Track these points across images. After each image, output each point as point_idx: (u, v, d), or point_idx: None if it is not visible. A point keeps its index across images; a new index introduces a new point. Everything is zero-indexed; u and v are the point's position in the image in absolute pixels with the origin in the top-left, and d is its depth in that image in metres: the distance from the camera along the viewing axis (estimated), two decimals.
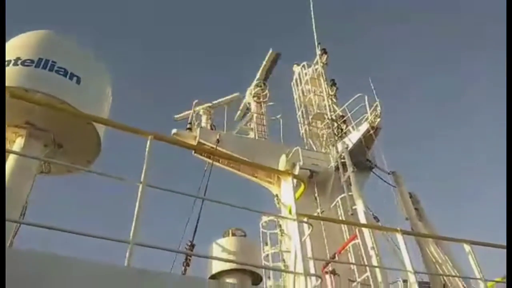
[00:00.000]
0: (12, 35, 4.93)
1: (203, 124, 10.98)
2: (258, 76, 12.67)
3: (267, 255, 9.24)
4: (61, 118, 4.31)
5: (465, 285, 5.68)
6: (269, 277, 8.74)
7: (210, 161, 10.37)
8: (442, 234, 6.94)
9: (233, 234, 5.23)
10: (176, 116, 12.02)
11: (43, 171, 4.59)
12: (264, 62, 12.87)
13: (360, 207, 6.97)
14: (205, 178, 7.33)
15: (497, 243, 4.46)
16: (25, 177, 4.09)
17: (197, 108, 11.42)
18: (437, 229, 7.20)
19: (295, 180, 3.92)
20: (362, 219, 6.73)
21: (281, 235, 9.65)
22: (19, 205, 3.94)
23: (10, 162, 4.22)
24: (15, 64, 4.33)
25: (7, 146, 4.39)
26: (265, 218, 10.02)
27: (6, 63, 4.36)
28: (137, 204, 2.77)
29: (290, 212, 4.00)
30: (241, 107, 13.11)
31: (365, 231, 5.96)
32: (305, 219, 3.79)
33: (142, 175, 2.92)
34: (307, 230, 3.59)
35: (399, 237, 4.02)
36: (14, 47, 4.60)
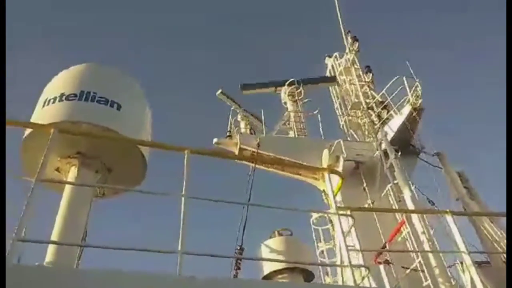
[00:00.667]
0: (57, 71, 5.36)
1: (242, 130, 11.18)
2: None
3: (322, 251, 9.23)
4: (107, 144, 4.64)
5: None
6: (327, 274, 8.72)
7: (253, 165, 10.55)
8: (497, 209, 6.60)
9: (280, 234, 5.30)
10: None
11: (98, 195, 4.93)
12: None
13: (406, 193, 6.79)
14: (250, 182, 7.41)
15: None
16: (82, 203, 4.42)
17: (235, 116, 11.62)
18: (490, 206, 6.86)
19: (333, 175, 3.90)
20: (410, 205, 6.55)
21: (333, 230, 9.61)
22: (81, 229, 4.27)
23: (67, 191, 4.59)
24: (60, 100, 4.71)
25: (63, 178, 4.76)
26: (315, 215, 10.00)
27: (52, 100, 4.76)
28: (181, 215, 2.94)
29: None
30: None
31: (414, 216, 5.81)
32: (347, 212, 3.79)
33: (183, 188, 3.09)
34: (350, 222, 3.59)
35: (449, 218, 3.91)
36: (59, 83, 5.01)
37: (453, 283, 5.59)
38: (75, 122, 4.52)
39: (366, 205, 9.30)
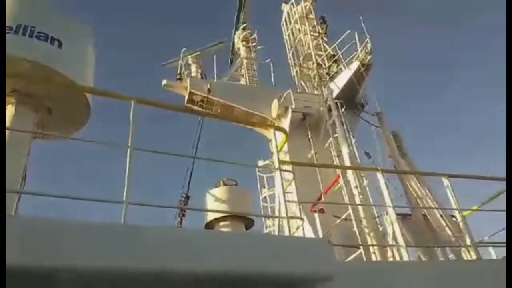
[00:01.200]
0: None
1: (193, 74, 10.97)
2: (236, 20, 12.37)
3: (265, 197, 9.73)
4: (46, 84, 4.40)
5: (443, 215, 6.10)
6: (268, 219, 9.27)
7: (203, 110, 10.52)
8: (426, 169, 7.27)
9: (225, 184, 5.53)
10: (164, 63, 11.84)
11: (37, 136, 4.75)
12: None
13: (344, 149, 7.23)
14: (197, 134, 7.44)
15: (472, 174, 4.74)
16: (20, 145, 4.25)
17: (186, 57, 11.29)
18: (418, 165, 7.54)
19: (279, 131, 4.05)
20: (346, 160, 7.01)
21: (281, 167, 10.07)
22: (19, 173, 4.15)
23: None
24: None
25: None
26: (261, 163, 10.37)
27: None
28: (127, 167, 2.97)
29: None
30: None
31: (349, 172, 6.27)
32: (289, 167, 4.01)
33: (129, 139, 3.08)
34: (291, 177, 3.82)
35: (379, 175, 4.29)
36: None
37: (380, 229, 6.26)
38: (14, 59, 4.20)
39: (310, 155, 9.77)
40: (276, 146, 3.83)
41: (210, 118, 11.30)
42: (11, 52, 4.24)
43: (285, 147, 10.09)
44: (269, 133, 11.08)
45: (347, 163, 7.04)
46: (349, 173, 6.30)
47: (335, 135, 8.23)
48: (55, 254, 2.27)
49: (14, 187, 3.92)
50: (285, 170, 3.74)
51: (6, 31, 4.36)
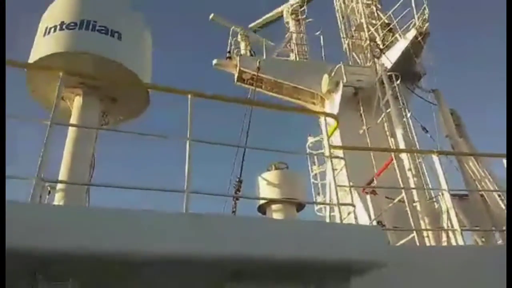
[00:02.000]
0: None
1: (242, 52, 11.02)
2: None
3: (315, 174, 9.78)
4: (110, 74, 4.71)
5: (502, 197, 5.82)
6: (318, 194, 9.36)
7: (253, 87, 10.62)
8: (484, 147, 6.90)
9: (276, 168, 5.66)
10: (212, 16, 11.60)
11: (104, 123, 5.12)
12: None
13: (398, 130, 7.03)
14: (247, 123, 7.57)
15: None
16: (88, 133, 4.63)
17: (236, 30, 11.26)
18: (477, 145, 7.17)
19: (328, 119, 4.06)
20: (401, 142, 6.83)
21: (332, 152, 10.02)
22: (88, 159, 4.55)
23: (74, 120, 4.78)
24: (61, 28, 4.65)
25: (68, 106, 4.91)
26: (311, 139, 10.38)
27: (52, 28, 4.70)
28: (186, 157, 3.18)
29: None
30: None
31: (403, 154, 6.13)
32: (340, 152, 4.03)
33: (188, 131, 3.28)
34: (342, 163, 3.85)
35: (435, 158, 4.18)
36: (58, 11, 4.89)
37: (436, 209, 6.13)
38: (78, 53, 4.53)
39: (361, 131, 9.61)
40: (327, 133, 3.85)
41: (262, 92, 11.29)
42: (77, 47, 4.57)
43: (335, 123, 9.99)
44: (319, 107, 11.01)
45: (401, 144, 6.86)
46: (403, 154, 6.16)
47: (388, 110, 8.00)
48: (133, 241, 2.54)
49: (84, 176, 4.33)
50: (336, 157, 3.78)
51: (71, 26, 4.68)
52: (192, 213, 2.95)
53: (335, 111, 10.17)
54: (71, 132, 4.70)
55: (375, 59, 10.20)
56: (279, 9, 12.50)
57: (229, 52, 10.93)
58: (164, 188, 3.07)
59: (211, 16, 11.23)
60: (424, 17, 10.32)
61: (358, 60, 11.82)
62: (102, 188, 3.44)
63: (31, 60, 4.74)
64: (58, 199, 4.32)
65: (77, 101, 4.91)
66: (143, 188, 3.03)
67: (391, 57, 10.30)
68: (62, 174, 4.42)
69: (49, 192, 5.06)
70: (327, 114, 4.22)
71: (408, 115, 8.92)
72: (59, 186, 4.43)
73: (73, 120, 4.86)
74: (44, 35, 4.72)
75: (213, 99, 3.61)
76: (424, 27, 10.18)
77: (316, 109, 11.01)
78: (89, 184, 4.45)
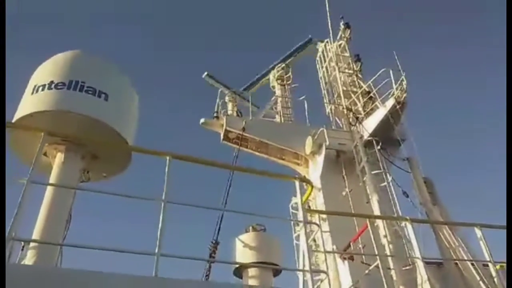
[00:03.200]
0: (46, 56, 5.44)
1: (229, 112, 11.36)
2: (282, 60, 12.73)
3: (298, 235, 9.69)
4: (93, 134, 4.82)
5: (477, 268, 5.85)
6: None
7: (238, 147, 10.81)
8: (459, 218, 7.06)
9: (254, 229, 5.64)
10: (206, 77, 12.00)
11: (83, 180, 5.15)
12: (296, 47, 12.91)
13: (374, 197, 7.17)
14: (227, 186, 7.69)
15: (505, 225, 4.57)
16: (67, 191, 4.64)
17: (225, 91, 11.72)
18: (450, 214, 7.33)
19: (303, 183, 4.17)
20: (376, 210, 6.95)
21: (310, 216, 10.04)
22: (64, 217, 4.51)
23: (54, 176, 4.80)
24: (50, 88, 4.83)
25: (50, 162, 4.96)
26: (294, 200, 10.40)
27: (41, 87, 4.88)
28: (160, 219, 3.20)
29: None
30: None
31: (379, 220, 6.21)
32: (316, 216, 4.09)
33: (164, 192, 3.33)
34: (316, 228, 3.89)
35: (409, 226, 4.26)
36: (48, 70, 5.11)
37: (412, 274, 6.08)
38: (64, 111, 4.67)
39: (344, 193, 9.70)
40: (301, 198, 3.93)
41: (246, 150, 11.48)
42: (64, 106, 4.73)
43: (319, 184, 10.10)
44: (303, 168, 11.19)
45: (376, 210, 6.96)
46: (379, 220, 6.24)
47: (364, 178, 8.18)
48: None
49: (59, 234, 4.28)
50: (311, 222, 3.83)
51: (60, 86, 4.86)
52: (161, 277, 2.92)
53: (318, 172, 10.34)
54: (49, 189, 4.70)
55: (352, 127, 10.60)
56: (267, 77, 13.12)
57: (217, 111, 11.25)
58: (135, 251, 3.06)
59: (204, 74, 11.71)
60: (402, 88, 10.89)
61: (341, 124, 12.23)
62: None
63: (17, 116, 4.85)
64: (30, 256, 4.23)
65: (59, 157, 4.96)
66: (114, 250, 3.01)
67: (371, 123, 10.69)
68: (37, 231, 4.37)
69: (23, 248, 4.95)
70: (302, 179, 4.33)
71: (389, 179, 9.11)
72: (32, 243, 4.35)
73: (53, 176, 4.88)
74: (33, 93, 4.89)
75: (192, 162, 3.71)
76: (402, 97, 10.70)
77: (300, 170, 11.17)
78: (61, 244, 4.38)
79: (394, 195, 8.58)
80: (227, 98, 11.70)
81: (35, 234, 4.35)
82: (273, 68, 12.76)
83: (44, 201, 4.50)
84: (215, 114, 11.21)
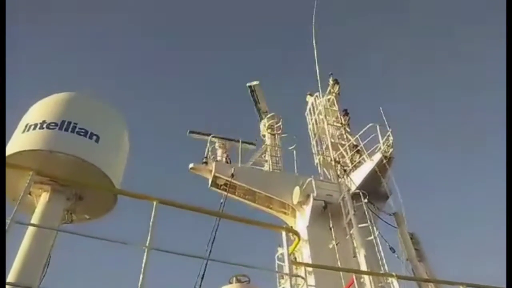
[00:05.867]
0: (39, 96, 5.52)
1: (218, 158, 11.43)
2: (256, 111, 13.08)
3: None
4: (81, 175, 4.80)
5: None
6: None
7: (225, 193, 10.76)
8: (445, 275, 7.01)
9: (238, 280, 5.50)
10: (191, 134, 12.28)
11: (66, 221, 5.04)
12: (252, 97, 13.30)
13: (361, 251, 7.15)
14: (212, 234, 7.63)
15: (492, 285, 4.56)
16: (47, 232, 4.53)
17: (213, 139, 11.86)
18: (436, 270, 7.31)
19: (289, 234, 4.15)
20: (362, 264, 6.90)
21: (296, 269, 9.84)
22: (42, 259, 4.37)
23: (37, 216, 4.71)
24: (41, 127, 4.86)
25: (34, 201, 4.88)
26: (280, 250, 10.22)
27: (33, 126, 4.91)
28: (142, 266, 3.13)
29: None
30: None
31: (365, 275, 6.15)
32: (301, 270, 4.03)
33: (148, 238, 3.28)
34: (302, 281, 3.83)
35: (395, 282, 4.22)
36: (41, 110, 5.16)
37: None
38: (54, 151, 4.67)
39: (331, 246, 9.59)
40: (287, 249, 3.90)
41: (234, 198, 11.43)
42: (54, 146, 4.74)
43: (306, 235, 10.00)
44: (289, 218, 11.13)
45: (363, 265, 6.90)
46: (366, 276, 6.18)
47: (351, 231, 8.18)
48: None
49: (36, 276, 4.13)
50: (297, 275, 3.77)
51: (52, 126, 4.90)
52: None
53: (305, 223, 10.29)
54: (30, 229, 4.59)
55: (339, 180, 10.71)
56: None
57: (206, 157, 11.32)
58: None
59: (187, 132, 11.91)
60: (388, 143, 11.13)
61: (329, 176, 12.33)
62: None
63: (6, 152, 4.83)
64: None
65: (44, 197, 4.89)
66: None
67: (359, 176, 10.82)
68: (14, 272, 4.21)
69: None
70: (289, 230, 4.31)
71: (376, 233, 9.08)
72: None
73: (36, 215, 4.78)
74: (24, 131, 4.90)
75: (178, 207, 3.70)
76: (389, 152, 10.92)
77: (287, 219, 11.10)
78: None
79: (381, 250, 8.53)
80: (216, 145, 11.82)
81: (11, 276, 4.19)
82: (261, 118, 13.06)
83: (23, 242, 4.37)
84: (204, 160, 11.27)
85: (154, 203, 3.43)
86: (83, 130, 4.95)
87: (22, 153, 4.70)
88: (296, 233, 4.71)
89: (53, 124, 4.89)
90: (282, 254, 10.58)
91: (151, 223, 3.33)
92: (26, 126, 4.96)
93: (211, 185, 11.19)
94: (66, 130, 4.87)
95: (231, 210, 11.55)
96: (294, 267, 3.74)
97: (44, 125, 4.87)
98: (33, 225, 4.44)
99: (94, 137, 5.01)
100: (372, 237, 8.74)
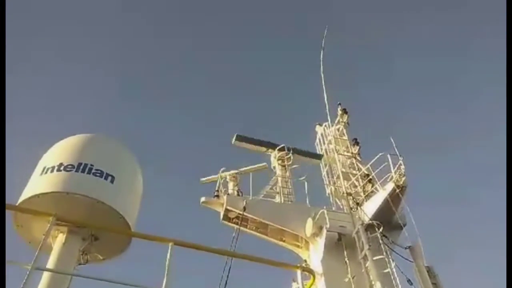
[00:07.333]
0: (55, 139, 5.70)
1: (230, 191, 11.42)
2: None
3: None
4: (97, 215, 4.88)
5: None
6: None
7: (238, 227, 10.69)
8: None
9: None
10: (202, 179, 12.47)
11: (81, 262, 5.08)
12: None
13: (377, 285, 7.00)
14: (226, 273, 7.56)
15: None
16: (65, 270, 4.56)
17: (224, 174, 11.92)
18: None
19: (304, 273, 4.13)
20: None
21: None
22: None
23: (53, 258, 4.76)
24: (59, 170, 5.00)
25: (50, 242, 4.93)
26: (295, 286, 10.03)
27: (50, 169, 5.05)
28: None
29: None
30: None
31: None
32: None
33: (164, 281, 3.29)
34: None
35: None
36: (58, 153, 5.32)
37: None
38: (70, 193, 4.78)
39: (347, 279, 9.38)
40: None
41: (246, 232, 11.36)
42: (71, 189, 4.85)
43: (320, 269, 9.80)
44: (303, 251, 10.94)
45: None
46: None
47: (367, 265, 8.02)
48: None
49: None
50: None
51: (69, 168, 5.03)
52: None
53: (320, 256, 10.10)
54: (50, 265, 4.64)
55: (352, 212, 10.58)
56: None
57: (217, 190, 11.32)
58: None
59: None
60: (400, 172, 11.01)
61: (341, 206, 12.21)
62: None
63: (24, 196, 4.95)
64: None
65: (60, 238, 4.97)
66: None
67: (372, 206, 10.68)
68: None
69: None
70: (304, 269, 4.28)
71: (393, 265, 8.89)
72: None
73: (52, 257, 4.85)
74: (41, 174, 5.04)
75: (194, 248, 3.72)
76: (402, 181, 10.79)
77: (300, 252, 10.93)
78: None
79: (398, 283, 8.32)
80: (227, 178, 11.84)
81: None
82: (274, 147, 13.11)
83: (40, 285, 4.41)
84: (215, 193, 11.27)
85: (170, 245, 3.47)
86: (99, 171, 5.07)
87: (39, 195, 4.81)
88: (311, 272, 4.65)
89: (70, 166, 5.02)
90: None
91: (166, 265, 3.35)
92: (43, 169, 5.10)
93: (223, 219, 11.13)
94: (83, 171, 5.00)
95: (244, 243, 11.46)
96: None
97: (62, 168, 5.00)
98: (51, 270, 4.47)
99: (110, 178, 5.11)
100: (388, 269, 8.55)
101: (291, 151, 12.62)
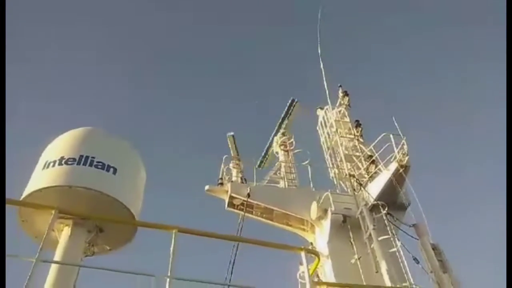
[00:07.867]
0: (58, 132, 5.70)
1: (233, 178, 11.44)
2: (278, 127, 13.21)
3: None
4: (101, 207, 4.90)
5: None
6: None
7: (243, 213, 10.75)
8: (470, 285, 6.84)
9: None
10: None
11: (88, 254, 5.13)
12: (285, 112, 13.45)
13: (383, 265, 7.03)
14: (232, 261, 7.61)
15: None
16: (71, 267, 4.61)
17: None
18: (461, 281, 7.11)
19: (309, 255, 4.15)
20: (386, 279, 6.78)
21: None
22: None
23: (59, 251, 4.80)
24: (60, 163, 5.01)
25: (56, 236, 4.98)
26: (302, 269, 10.10)
27: (52, 163, 5.06)
28: None
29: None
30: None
31: None
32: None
33: (169, 268, 3.32)
34: None
35: None
36: (59, 146, 5.33)
37: None
38: (74, 186, 4.80)
39: (353, 261, 9.43)
40: (308, 270, 3.89)
41: (252, 217, 11.42)
42: (73, 182, 4.87)
43: (327, 251, 9.86)
44: (309, 234, 11.00)
45: (386, 279, 6.78)
46: None
47: (372, 246, 8.06)
48: None
49: None
50: None
51: (70, 162, 5.04)
52: None
53: (326, 239, 10.15)
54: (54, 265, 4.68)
55: (355, 193, 10.58)
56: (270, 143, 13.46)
57: (221, 178, 11.34)
58: None
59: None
60: (403, 151, 10.95)
61: (345, 188, 12.20)
62: None
63: (27, 191, 4.98)
64: None
65: (66, 231, 5.01)
66: None
67: (376, 187, 10.67)
68: None
69: None
70: (308, 250, 4.30)
71: (399, 245, 8.91)
72: None
73: (59, 250, 4.89)
74: (43, 168, 5.06)
75: (198, 235, 3.74)
76: (405, 160, 10.74)
77: (306, 236, 10.98)
78: None
79: (405, 262, 8.35)
80: (231, 165, 11.85)
81: None
82: (275, 135, 13.10)
83: (49, 277, 4.46)
84: (219, 181, 11.29)
85: (174, 232, 3.49)
86: (100, 163, 5.08)
87: (41, 190, 4.83)
88: (315, 253, 4.69)
89: (71, 160, 5.03)
90: (303, 272, 10.46)
91: (171, 252, 3.38)
92: (45, 163, 5.11)
93: (228, 206, 11.17)
94: (85, 164, 5.01)
95: (249, 229, 11.53)
96: (316, 286, 3.71)
97: (63, 161, 5.01)
98: (58, 262, 4.52)
99: (112, 169, 5.13)
100: (395, 249, 8.58)
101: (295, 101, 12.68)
